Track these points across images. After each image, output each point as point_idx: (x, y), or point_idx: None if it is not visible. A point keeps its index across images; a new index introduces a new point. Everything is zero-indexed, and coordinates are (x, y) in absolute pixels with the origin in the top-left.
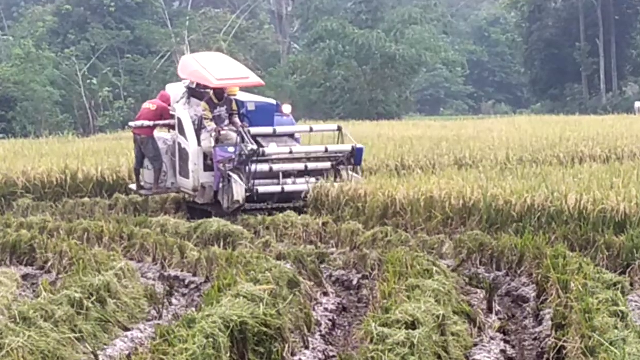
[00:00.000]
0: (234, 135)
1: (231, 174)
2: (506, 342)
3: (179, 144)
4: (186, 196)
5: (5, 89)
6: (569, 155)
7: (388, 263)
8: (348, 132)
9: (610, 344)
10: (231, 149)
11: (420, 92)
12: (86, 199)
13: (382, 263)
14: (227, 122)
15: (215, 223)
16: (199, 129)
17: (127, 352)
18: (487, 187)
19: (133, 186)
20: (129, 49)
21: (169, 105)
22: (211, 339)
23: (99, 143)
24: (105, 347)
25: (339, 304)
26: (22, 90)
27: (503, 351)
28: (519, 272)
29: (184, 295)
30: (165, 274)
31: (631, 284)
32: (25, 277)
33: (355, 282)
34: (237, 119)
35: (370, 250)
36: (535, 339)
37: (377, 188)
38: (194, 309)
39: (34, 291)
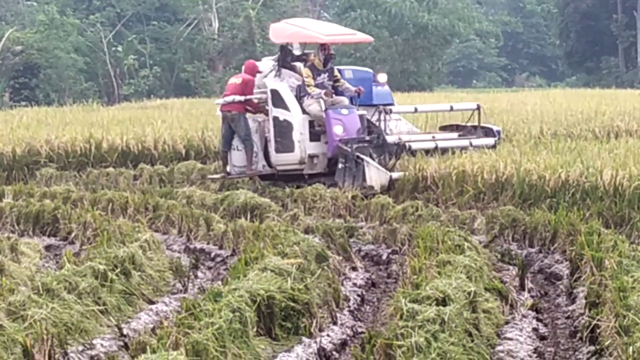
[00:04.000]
0: (345, 99)
1: (362, 156)
2: (538, 320)
3: (276, 118)
4: (281, 181)
5: (28, 55)
6: (605, 130)
7: (418, 238)
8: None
9: None
10: (344, 111)
11: (452, 63)
12: (110, 169)
13: (413, 238)
14: (330, 88)
15: (242, 195)
16: (298, 98)
17: (151, 326)
18: (520, 161)
19: (216, 175)
20: (155, 15)
21: (256, 75)
22: (237, 313)
23: (124, 112)
24: (130, 320)
25: (367, 279)
26: (45, 57)
27: (535, 329)
28: (552, 248)
29: (209, 268)
30: (191, 246)
31: None
32: (48, 247)
33: (384, 257)
34: (347, 84)
35: (400, 225)
36: (568, 317)
37: (407, 161)
38: (220, 283)
39: (57, 262)
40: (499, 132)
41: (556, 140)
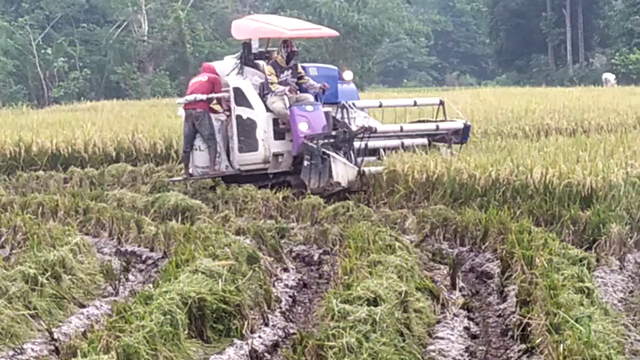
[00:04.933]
0: (309, 96)
1: (328, 151)
2: (470, 318)
3: (239, 117)
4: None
5: None
6: (535, 128)
7: (349, 238)
8: (453, 105)
9: (576, 320)
10: (309, 108)
11: (383, 62)
12: (40, 172)
13: (344, 238)
14: (293, 85)
15: (173, 197)
16: (261, 96)
17: (82, 329)
18: (450, 160)
19: (177, 177)
20: (84, 17)
21: (217, 75)
22: (169, 316)
23: (54, 114)
24: (60, 324)
25: (299, 280)
26: None
27: (466, 328)
28: (483, 247)
29: (140, 271)
30: (122, 249)
31: (597, 260)
32: None
33: (316, 258)
34: (311, 81)
35: (331, 225)
36: (499, 316)
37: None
38: (151, 285)
39: None
40: (469, 126)
41: (486, 139)
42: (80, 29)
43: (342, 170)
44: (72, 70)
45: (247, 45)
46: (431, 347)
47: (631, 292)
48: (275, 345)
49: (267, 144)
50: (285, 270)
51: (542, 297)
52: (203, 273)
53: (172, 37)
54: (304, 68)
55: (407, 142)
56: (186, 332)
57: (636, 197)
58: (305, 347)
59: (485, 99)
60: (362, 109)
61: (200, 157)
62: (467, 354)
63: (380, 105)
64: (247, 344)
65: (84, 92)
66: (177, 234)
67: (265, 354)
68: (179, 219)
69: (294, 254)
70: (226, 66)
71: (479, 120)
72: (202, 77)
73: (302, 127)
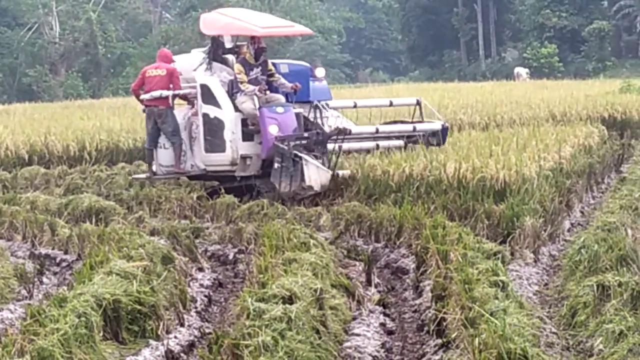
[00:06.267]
0: (280, 96)
1: (300, 154)
2: (386, 315)
3: (206, 115)
4: (217, 182)
5: None
6: (448, 123)
7: (264, 236)
8: (429, 105)
9: (491, 314)
10: (280, 109)
11: (296, 60)
12: None
13: (258, 237)
14: (263, 84)
15: (87, 199)
16: (230, 94)
17: None
18: (364, 157)
19: (141, 175)
20: None
21: (172, 62)
22: (83, 318)
23: None
24: None
25: (214, 279)
26: None
27: (382, 324)
28: (397, 243)
29: (55, 273)
30: (36, 252)
31: (511, 253)
32: None
33: (231, 257)
34: (282, 79)
35: (246, 224)
36: (415, 311)
37: None
38: (65, 288)
39: None
40: (447, 128)
41: None
42: None
43: (315, 174)
44: None
45: (215, 40)
46: (347, 344)
47: (546, 284)
48: (191, 345)
49: (235, 145)
50: (201, 269)
51: (457, 292)
52: (117, 274)
53: (83, 39)
54: (274, 65)
55: (383, 143)
56: (101, 334)
57: (549, 190)
58: (221, 346)
59: (398, 95)
60: (335, 108)
61: (164, 156)
62: (383, 350)
63: (355, 106)
64: (162, 344)
65: None
66: (91, 236)
67: (181, 354)
68: (93, 220)
69: (209, 254)
70: (193, 61)
71: (392, 117)
72: (161, 71)
73: (272, 130)
